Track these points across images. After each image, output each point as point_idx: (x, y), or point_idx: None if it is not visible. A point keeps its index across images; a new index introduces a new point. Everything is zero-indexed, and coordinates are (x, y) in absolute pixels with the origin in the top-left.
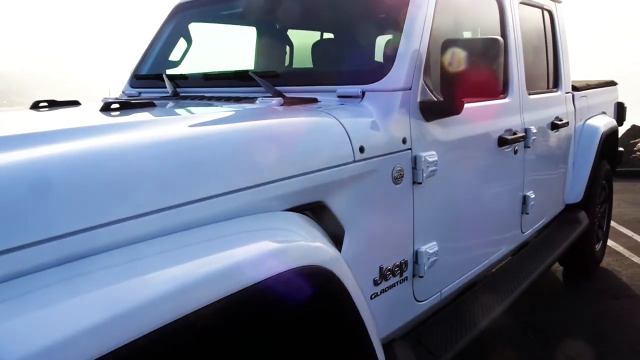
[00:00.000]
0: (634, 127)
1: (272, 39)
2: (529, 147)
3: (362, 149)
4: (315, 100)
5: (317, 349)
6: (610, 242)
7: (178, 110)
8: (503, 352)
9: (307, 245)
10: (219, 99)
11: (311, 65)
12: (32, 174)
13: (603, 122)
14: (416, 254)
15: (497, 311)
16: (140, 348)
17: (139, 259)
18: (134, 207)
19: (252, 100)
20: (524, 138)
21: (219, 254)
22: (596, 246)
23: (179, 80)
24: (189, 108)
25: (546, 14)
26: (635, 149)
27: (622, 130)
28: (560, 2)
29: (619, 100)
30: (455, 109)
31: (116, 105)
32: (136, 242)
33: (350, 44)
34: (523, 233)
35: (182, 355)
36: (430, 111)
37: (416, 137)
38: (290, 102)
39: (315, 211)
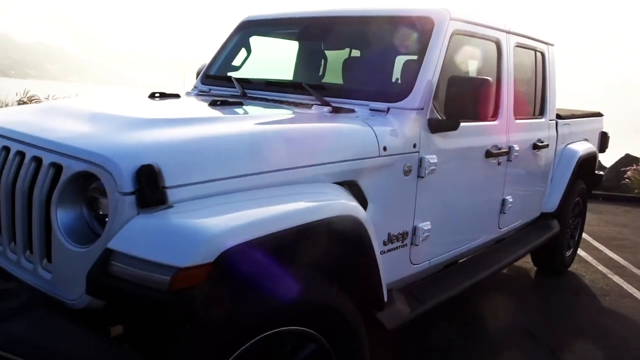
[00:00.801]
0: (627, 155)
1: (313, 54)
2: (510, 160)
3: (385, 148)
4: (352, 111)
5: (345, 276)
6: (582, 253)
7: (264, 110)
8: (476, 322)
9: (348, 203)
10: (281, 102)
11: (340, 78)
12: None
13: (582, 147)
14: (415, 228)
15: (470, 283)
16: (281, 236)
17: (278, 195)
18: (270, 165)
19: (307, 106)
20: (507, 153)
21: (304, 202)
22: (566, 252)
23: (243, 83)
24: (268, 108)
25: (539, 54)
26: (625, 176)
27: (615, 158)
28: (552, 44)
29: (603, 129)
30: (454, 126)
31: (219, 102)
32: (276, 185)
33: (379, 70)
34: (500, 229)
35: (297, 244)
36: (435, 126)
37: (423, 144)
38: (336, 110)
39: (351, 187)
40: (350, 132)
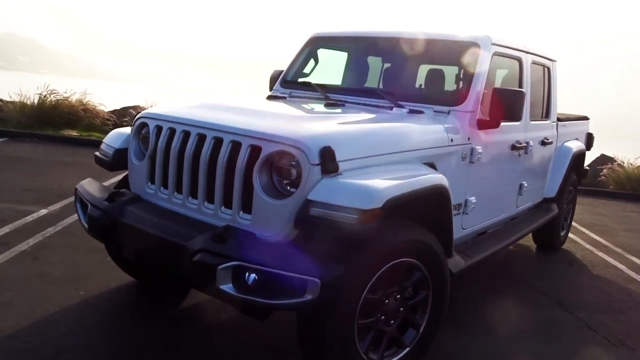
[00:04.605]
0: (602, 155)
1: (359, 63)
2: (527, 153)
3: (452, 140)
4: (422, 112)
5: (433, 228)
6: (571, 235)
7: (365, 110)
8: (497, 284)
9: (443, 177)
10: (362, 104)
11: (375, 83)
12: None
13: (575, 145)
14: (466, 201)
15: (500, 246)
16: (413, 194)
17: (403, 169)
18: (390, 149)
19: (388, 107)
20: (525, 147)
21: (423, 174)
22: (562, 233)
23: (320, 87)
24: (365, 110)
25: (546, 69)
26: (601, 173)
27: (592, 157)
28: (555, 60)
29: (589, 131)
30: (496, 125)
31: (332, 103)
32: (392, 163)
33: (440, 81)
34: (517, 207)
35: (413, 206)
36: (482, 124)
37: (474, 138)
38: (411, 111)
39: (431, 166)
40: (431, 129)
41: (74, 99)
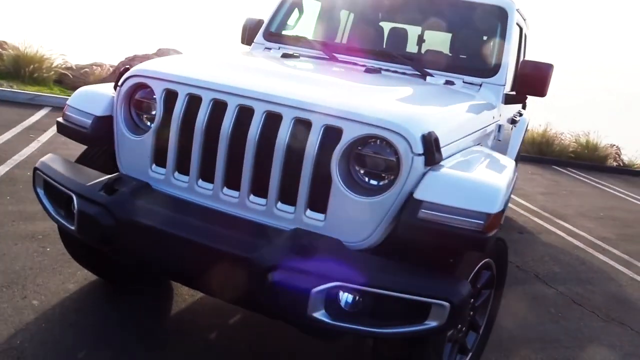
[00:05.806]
0: None
1: (333, 15)
2: (515, 126)
3: (492, 117)
4: (453, 83)
5: None
6: None
7: (411, 82)
8: None
9: (501, 155)
10: (386, 70)
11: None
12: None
13: (526, 115)
14: None
15: None
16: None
17: (478, 158)
18: (466, 130)
19: (419, 76)
20: (517, 121)
21: (506, 168)
22: None
23: (321, 45)
24: (409, 81)
25: (525, 36)
26: None
27: None
28: (529, 28)
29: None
30: (523, 100)
31: (372, 70)
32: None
33: (469, 48)
34: None
35: None
36: (508, 99)
37: (501, 114)
38: (446, 82)
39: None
40: (483, 105)
41: None
